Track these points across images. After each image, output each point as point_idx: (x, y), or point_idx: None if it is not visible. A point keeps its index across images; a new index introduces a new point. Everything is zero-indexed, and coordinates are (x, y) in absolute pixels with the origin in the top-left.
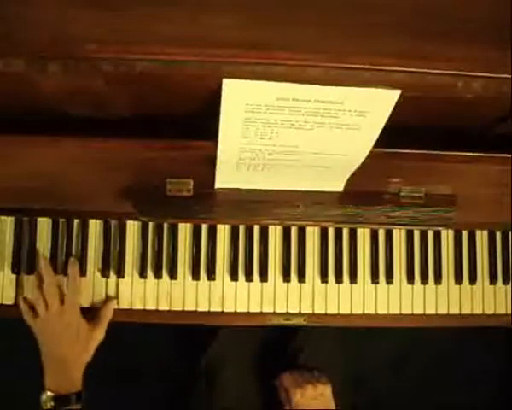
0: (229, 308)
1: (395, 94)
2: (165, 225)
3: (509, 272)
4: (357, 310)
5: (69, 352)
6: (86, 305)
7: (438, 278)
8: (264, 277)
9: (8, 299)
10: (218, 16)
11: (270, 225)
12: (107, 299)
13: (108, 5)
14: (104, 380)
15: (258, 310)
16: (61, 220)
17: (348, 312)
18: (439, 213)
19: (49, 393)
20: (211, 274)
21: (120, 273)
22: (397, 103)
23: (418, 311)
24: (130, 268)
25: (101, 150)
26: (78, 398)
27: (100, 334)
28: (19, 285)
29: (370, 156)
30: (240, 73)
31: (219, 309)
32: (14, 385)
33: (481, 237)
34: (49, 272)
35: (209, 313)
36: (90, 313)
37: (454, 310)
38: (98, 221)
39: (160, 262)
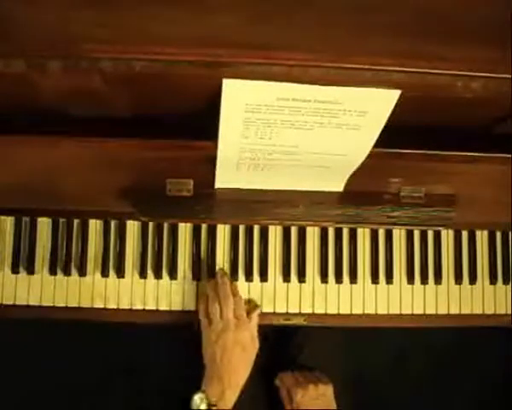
0: None
1: (395, 94)
2: (165, 225)
3: (509, 272)
4: (357, 310)
5: (239, 372)
6: (87, 305)
7: (438, 278)
8: (264, 277)
9: (9, 299)
10: (218, 16)
11: (270, 225)
12: (252, 308)
13: (108, 5)
14: (104, 380)
15: None
16: (61, 220)
17: (348, 312)
18: (439, 213)
19: (205, 399)
20: (211, 274)
21: (120, 273)
22: (397, 103)
23: (418, 311)
24: (130, 268)
25: (101, 150)
26: None
27: (257, 347)
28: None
29: (370, 156)
30: (240, 73)
31: None
32: (14, 385)
33: (481, 237)
34: (226, 281)
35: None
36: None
37: (454, 310)
38: (98, 221)
39: (159, 262)
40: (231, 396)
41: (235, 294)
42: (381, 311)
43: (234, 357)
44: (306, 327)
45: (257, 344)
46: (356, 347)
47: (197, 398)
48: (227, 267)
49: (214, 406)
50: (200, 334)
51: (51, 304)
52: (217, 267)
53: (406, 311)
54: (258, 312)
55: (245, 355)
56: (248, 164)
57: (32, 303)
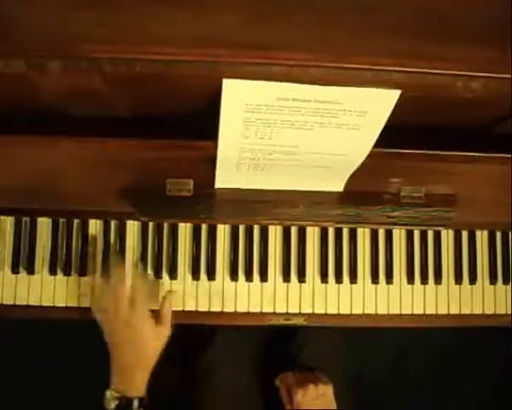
0: (229, 308)
1: (395, 94)
2: (165, 225)
3: (509, 272)
4: (357, 310)
5: (136, 356)
6: (86, 305)
7: (438, 278)
8: (264, 277)
9: (9, 299)
10: (218, 16)
11: (270, 225)
12: (165, 296)
13: (108, 5)
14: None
15: (258, 310)
16: (61, 220)
17: (348, 312)
18: (439, 213)
19: (114, 393)
20: (211, 274)
21: None
22: (397, 103)
23: (418, 311)
24: (131, 268)
25: (101, 150)
26: (140, 403)
27: (166, 331)
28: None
29: (370, 156)
30: (240, 73)
31: (219, 309)
32: (14, 385)
33: (481, 237)
34: (119, 271)
35: (209, 313)
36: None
37: (454, 310)
38: (98, 221)
39: (159, 262)
40: (138, 382)
41: (133, 282)
42: (381, 311)
43: (132, 342)
44: (306, 327)
45: (165, 330)
46: (356, 347)
47: (108, 394)
48: (227, 267)
49: (124, 396)
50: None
51: (51, 304)
52: (217, 267)
53: (406, 311)
54: (170, 299)
55: (143, 338)
56: (248, 164)
57: (31, 303)
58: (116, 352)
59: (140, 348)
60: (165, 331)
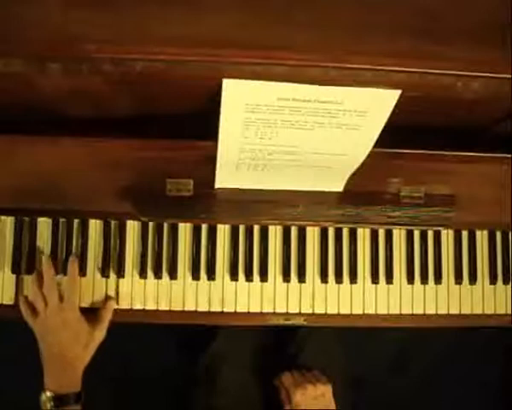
0: (229, 308)
1: (395, 94)
2: (165, 225)
3: (509, 272)
4: (357, 310)
5: (68, 351)
6: (86, 305)
7: (438, 278)
8: (264, 277)
9: (9, 299)
10: (218, 16)
11: (270, 225)
12: (107, 299)
13: (108, 5)
14: (103, 380)
15: (258, 310)
16: (61, 220)
17: (348, 312)
18: (439, 213)
19: (48, 393)
20: (211, 274)
21: (120, 273)
22: (397, 103)
23: (418, 311)
24: (130, 268)
25: (100, 150)
26: (77, 398)
27: (100, 334)
28: (18, 285)
29: (370, 156)
30: (240, 73)
31: (219, 309)
32: (14, 385)
33: (481, 237)
34: (48, 270)
35: (209, 313)
36: (91, 314)
37: (454, 310)
38: (98, 221)
39: (159, 262)
40: (72, 378)
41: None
42: (381, 311)
43: (62, 338)
44: (306, 327)
45: (99, 332)
46: (356, 347)
47: (43, 397)
48: (227, 267)
49: (58, 395)
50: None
51: None
52: (217, 267)
53: (406, 311)
54: (111, 304)
55: (74, 333)
56: (248, 164)
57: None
58: (46, 351)
59: (73, 343)
60: (98, 334)
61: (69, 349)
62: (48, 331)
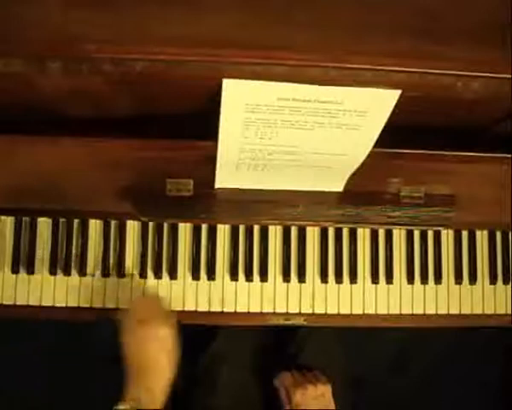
0: (229, 308)
1: (395, 94)
2: (165, 225)
3: (509, 272)
4: (357, 310)
5: (155, 365)
6: (86, 305)
7: (438, 278)
8: (264, 277)
9: (9, 299)
10: (218, 16)
11: (270, 225)
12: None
13: (108, 5)
14: (103, 379)
15: (258, 310)
16: (61, 220)
17: (348, 312)
18: (439, 213)
19: (128, 406)
20: (211, 274)
21: (120, 273)
22: (397, 103)
23: (418, 311)
24: (131, 268)
25: (101, 150)
26: None
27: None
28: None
29: (370, 156)
30: (240, 73)
31: (219, 309)
32: (14, 385)
33: (481, 237)
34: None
35: (209, 313)
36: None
37: (454, 310)
38: (98, 221)
39: (159, 262)
40: (157, 395)
41: (146, 292)
42: (381, 311)
43: (150, 349)
44: (306, 327)
45: (165, 325)
46: (356, 347)
47: (121, 408)
48: (227, 267)
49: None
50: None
51: (51, 304)
52: (217, 267)
53: (406, 311)
54: (164, 303)
55: (167, 352)
56: (248, 164)
57: (31, 303)
58: (135, 358)
59: (160, 355)
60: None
61: (156, 363)
62: (135, 342)
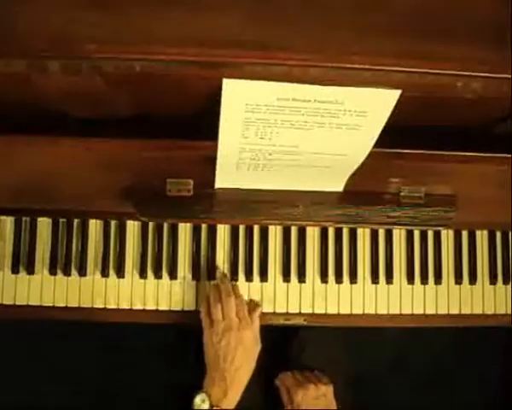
0: None
1: (395, 94)
2: (165, 225)
3: (509, 272)
4: (357, 310)
5: (242, 371)
6: (87, 305)
7: (438, 278)
8: (264, 277)
9: (9, 299)
10: (218, 16)
11: (270, 225)
12: (254, 309)
13: (108, 5)
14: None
15: None
16: (61, 220)
17: (348, 312)
18: (439, 213)
19: (205, 399)
20: (211, 274)
21: (120, 273)
22: (397, 103)
23: (418, 311)
24: (130, 268)
25: (101, 150)
26: None
27: (259, 347)
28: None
29: (370, 156)
30: (240, 73)
31: None
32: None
33: (481, 237)
34: (227, 283)
35: None
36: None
37: (454, 310)
38: (98, 221)
39: (160, 262)
40: (234, 396)
41: (237, 295)
42: (381, 311)
43: (236, 357)
44: (306, 327)
45: (259, 344)
46: (356, 347)
47: (199, 399)
48: (227, 267)
49: (217, 406)
50: (201, 334)
51: (51, 304)
52: (217, 267)
53: (406, 311)
54: (259, 312)
55: (247, 355)
56: (248, 164)
57: (31, 303)
58: (218, 360)
59: (246, 365)
60: (258, 348)
61: (243, 370)
62: (221, 344)
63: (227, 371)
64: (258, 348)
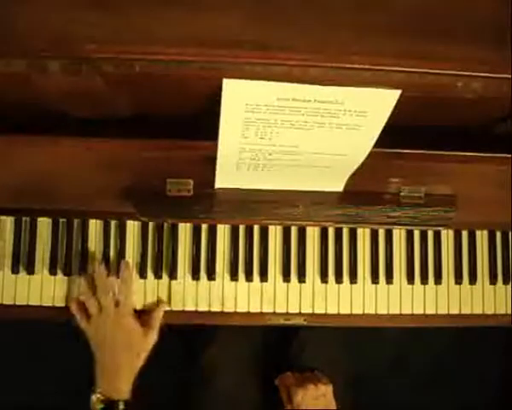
0: (229, 308)
1: (395, 94)
2: (165, 225)
3: (509, 272)
4: (357, 310)
5: (122, 358)
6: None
7: (438, 278)
8: (264, 277)
9: (9, 299)
10: (218, 16)
11: (270, 225)
12: (159, 302)
13: (108, 5)
14: None
15: (258, 310)
16: (61, 220)
17: (348, 312)
18: (439, 213)
19: (99, 396)
20: (211, 274)
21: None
22: (397, 103)
23: (418, 311)
24: (131, 268)
25: (101, 150)
26: (126, 405)
27: (153, 338)
28: (68, 287)
29: (370, 156)
30: (240, 73)
31: (219, 309)
32: (15, 385)
33: (481, 237)
34: (102, 274)
35: (209, 313)
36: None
37: (454, 310)
38: (98, 221)
39: (159, 262)
40: (123, 385)
41: (110, 283)
42: (381, 311)
43: (117, 344)
44: (306, 327)
45: (151, 335)
46: (356, 347)
47: (94, 397)
48: (227, 267)
49: (109, 397)
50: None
51: (51, 304)
52: (217, 267)
53: (406, 311)
54: (163, 306)
55: (129, 340)
56: (248, 164)
57: (31, 303)
58: (99, 355)
59: (127, 349)
60: (152, 336)
61: (123, 356)
62: (102, 336)
63: (110, 362)
64: (147, 337)
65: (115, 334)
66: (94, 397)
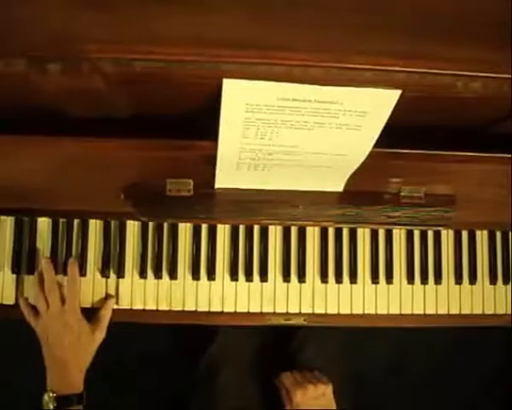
0: (229, 308)
1: (395, 94)
2: (165, 225)
3: (509, 272)
4: (357, 310)
5: (70, 353)
6: (87, 305)
7: (438, 278)
8: (264, 277)
9: (9, 299)
10: (218, 16)
11: (270, 225)
12: (107, 298)
13: (108, 5)
14: (103, 381)
15: (258, 310)
16: (61, 220)
17: (348, 312)
18: (439, 213)
19: (50, 394)
20: (211, 274)
21: (120, 273)
22: (397, 103)
23: (418, 311)
24: (130, 268)
25: (101, 150)
26: (79, 399)
27: (100, 335)
28: (19, 285)
29: (370, 156)
30: (240, 73)
31: (219, 309)
32: (15, 385)
33: (481, 237)
34: (49, 271)
35: (209, 313)
36: (91, 314)
37: (454, 310)
38: (98, 221)
39: (159, 262)
40: (72, 380)
41: (57, 282)
42: (381, 311)
43: (63, 341)
44: (306, 327)
45: (99, 333)
46: (356, 347)
47: (45, 397)
48: (227, 267)
49: (61, 396)
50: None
51: None
52: (217, 267)
53: (406, 311)
54: (111, 303)
55: (75, 337)
56: (248, 164)
57: (31, 303)
58: (48, 352)
59: (74, 345)
60: (99, 334)
61: (71, 352)
62: (49, 334)
63: (58, 358)
64: (94, 335)
65: (61, 331)
66: (46, 396)
